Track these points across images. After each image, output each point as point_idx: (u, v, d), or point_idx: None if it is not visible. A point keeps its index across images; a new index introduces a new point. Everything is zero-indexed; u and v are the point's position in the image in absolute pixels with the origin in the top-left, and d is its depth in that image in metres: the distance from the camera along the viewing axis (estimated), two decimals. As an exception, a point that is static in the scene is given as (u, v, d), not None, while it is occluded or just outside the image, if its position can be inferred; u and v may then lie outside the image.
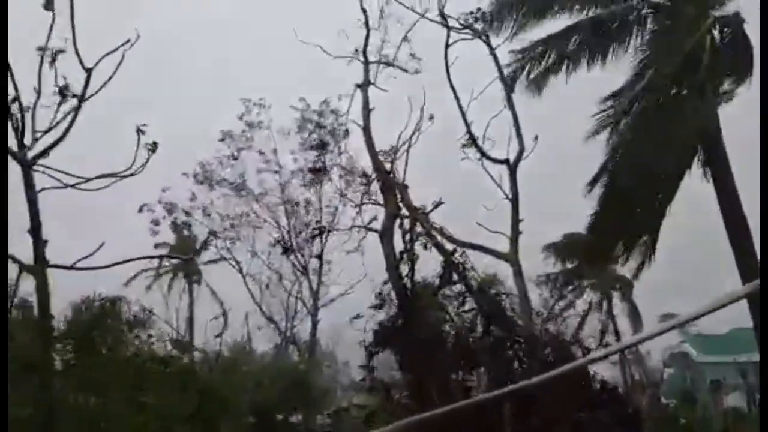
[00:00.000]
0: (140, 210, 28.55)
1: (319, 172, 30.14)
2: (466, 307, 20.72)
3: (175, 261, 35.30)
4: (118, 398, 20.22)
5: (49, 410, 17.05)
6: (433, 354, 18.84)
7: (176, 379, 20.13)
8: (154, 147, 19.21)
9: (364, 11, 25.33)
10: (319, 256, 30.75)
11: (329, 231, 30.44)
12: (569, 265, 32.65)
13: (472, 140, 23.94)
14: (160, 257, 33.99)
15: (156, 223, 29.46)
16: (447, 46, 24.18)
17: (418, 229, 22.03)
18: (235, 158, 30.50)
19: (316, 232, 30.55)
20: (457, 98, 23.76)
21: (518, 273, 21.94)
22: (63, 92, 18.10)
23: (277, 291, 31.28)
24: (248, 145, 30.52)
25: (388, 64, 25.98)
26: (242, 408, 21.67)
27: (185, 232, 33.96)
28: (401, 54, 25.92)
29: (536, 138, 23.85)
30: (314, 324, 30.56)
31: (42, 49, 17.60)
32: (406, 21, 25.39)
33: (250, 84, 38.69)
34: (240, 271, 30.93)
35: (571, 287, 32.79)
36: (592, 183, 16.57)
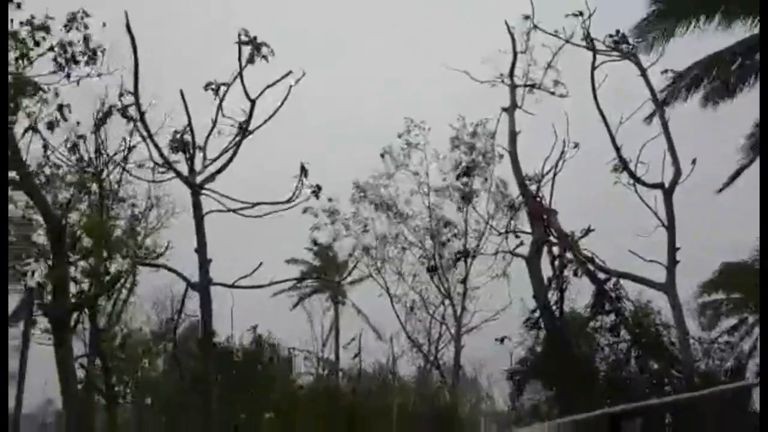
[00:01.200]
0: (304, 212, 29.62)
1: (467, 196, 30.27)
2: (619, 338, 19.77)
3: (317, 281, 36.52)
4: (267, 417, 21.19)
5: (209, 419, 18.20)
6: (583, 387, 18.06)
7: (322, 400, 20.71)
8: (317, 190, 20.10)
9: (512, 36, 25.16)
10: (463, 281, 30.57)
11: (474, 255, 30.23)
12: (732, 296, 30.15)
13: (624, 164, 22.85)
14: (311, 278, 35.30)
15: (316, 228, 30.93)
16: (593, 68, 23.39)
17: (568, 255, 21.35)
18: (390, 177, 31.33)
19: (460, 255, 30.44)
20: (605, 121, 22.84)
21: (675, 304, 20.55)
22: (238, 124, 19.68)
23: (421, 314, 31.40)
24: (404, 163, 31.30)
25: (533, 87, 25.56)
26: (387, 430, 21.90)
27: (329, 254, 35.12)
28: (547, 79, 25.45)
29: (694, 162, 22.41)
30: (458, 350, 30.32)
31: (210, 84, 19.19)
32: (552, 43, 24.94)
33: (410, 105, 39.63)
34: (387, 291, 31.36)
35: (735, 321, 30.23)
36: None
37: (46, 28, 17.73)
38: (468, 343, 30.37)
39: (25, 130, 18.51)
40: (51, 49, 17.88)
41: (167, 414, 20.78)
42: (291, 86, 19.29)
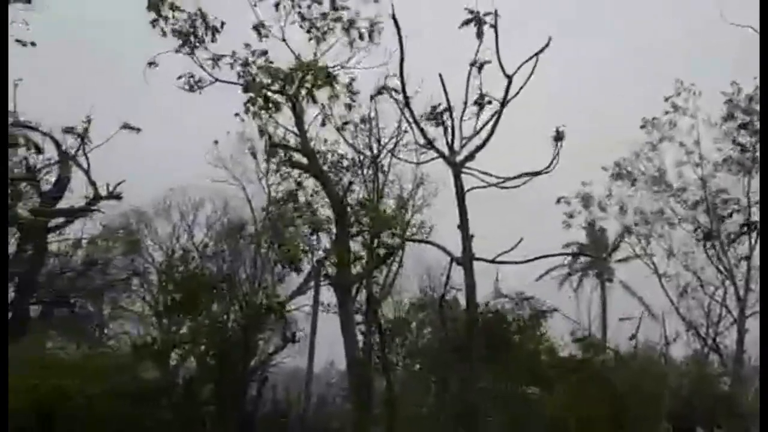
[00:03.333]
0: (558, 201, 29.28)
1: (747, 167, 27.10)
2: None
3: (586, 259, 35.50)
4: (530, 390, 21.33)
5: (474, 391, 18.96)
6: None
7: (588, 379, 20.29)
8: (560, 136, 19.81)
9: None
10: (747, 258, 27.62)
11: (758, 229, 27.10)
12: None
13: None
14: (575, 254, 34.49)
15: (570, 216, 29.98)
16: None
17: None
18: (654, 148, 29.30)
19: (744, 229, 27.55)
20: None
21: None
22: (482, 101, 20.03)
23: (696, 294, 29.02)
24: (670, 134, 28.96)
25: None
26: (658, 415, 20.79)
27: (596, 230, 33.91)
28: None
29: None
30: (741, 334, 27.50)
31: (473, 64, 19.69)
32: None
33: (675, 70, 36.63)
34: (655, 270, 29.52)
35: None
36: None
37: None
38: (754, 328, 27.41)
39: (315, 117, 20.55)
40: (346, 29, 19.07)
41: (435, 378, 22.01)
42: (537, 57, 19.06)
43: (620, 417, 19.06)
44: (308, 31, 18.88)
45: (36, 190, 24.84)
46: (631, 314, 32.53)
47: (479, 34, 18.99)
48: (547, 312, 23.09)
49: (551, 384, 20.99)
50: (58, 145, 25.04)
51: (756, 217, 27.24)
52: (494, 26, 18.96)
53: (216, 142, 26.69)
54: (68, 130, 24.75)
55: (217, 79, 18.82)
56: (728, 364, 28.05)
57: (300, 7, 18.71)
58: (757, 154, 26.87)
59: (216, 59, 18.57)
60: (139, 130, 24.83)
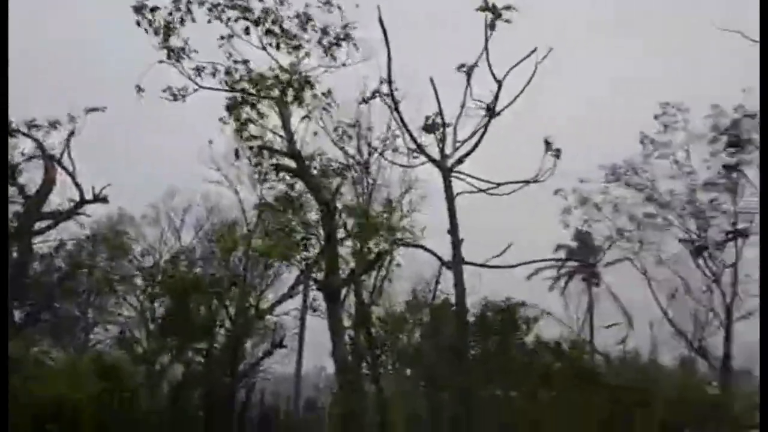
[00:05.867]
0: (555, 193, 29.23)
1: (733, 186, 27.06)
2: None
3: (575, 263, 35.73)
4: (520, 391, 21.32)
5: (467, 393, 18.91)
6: None
7: (579, 378, 20.32)
8: (557, 154, 19.94)
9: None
10: (733, 265, 27.72)
11: (746, 236, 27.22)
12: None
13: None
14: (563, 260, 34.69)
15: (567, 211, 30.12)
16: None
17: None
18: (646, 160, 29.36)
19: (730, 236, 27.65)
20: None
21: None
22: (486, 107, 19.96)
23: (684, 300, 29.12)
24: (663, 151, 29.03)
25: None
26: (651, 418, 20.89)
27: (585, 233, 34.04)
28: None
29: None
30: (727, 339, 27.62)
31: (462, 66, 19.67)
32: None
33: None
34: (644, 274, 29.62)
35: None
36: None
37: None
38: (743, 334, 27.54)
39: (301, 119, 20.43)
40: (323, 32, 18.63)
41: (426, 382, 21.99)
42: (537, 64, 19.03)
43: (611, 422, 19.09)
44: (278, 48, 18.83)
45: (19, 191, 24.65)
46: (618, 319, 32.90)
47: (491, 25, 18.75)
48: (537, 317, 23.17)
49: (541, 388, 21.02)
50: (41, 147, 24.87)
51: (742, 225, 27.33)
52: (491, 28, 18.80)
53: (210, 142, 26.42)
54: (53, 124, 24.62)
55: (201, 86, 18.76)
56: (715, 369, 28.18)
57: (270, 31, 18.53)
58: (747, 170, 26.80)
59: (199, 70, 18.56)
60: (104, 109, 24.86)
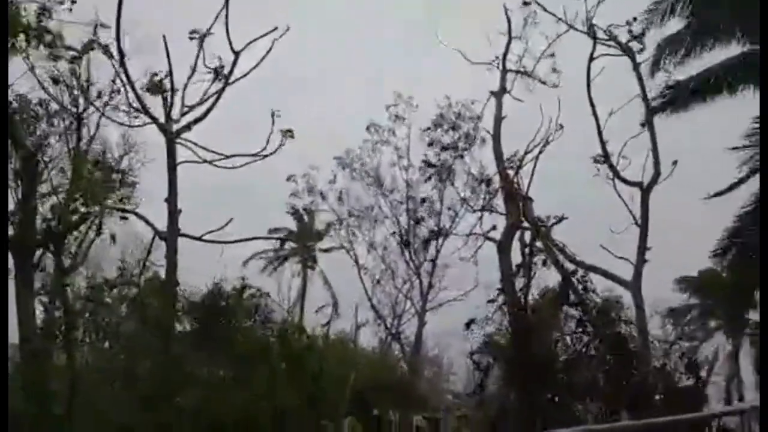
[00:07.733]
0: (288, 179, 29.67)
1: (443, 175, 29.71)
2: (581, 330, 19.99)
3: (293, 245, 36.46)
4: (234, 368, 21.07)
5: (168, 367, 18.13)
6: (541, 375, 18.30)
7: (294, 357, 20.61)
8: (289, 133, 20.13)
9: (508, 19, 24.99)
10: (433, 260, 30.58)
11: (446, 235, 30.20)
12: (697, 302, 30.69)
13: (605, 157, 23.00)
14: (282, 239, 35.20)
15: (295, 194, 30.79)
16: (591, 58, 23.38)
17: (538, 244, 21.47)
18: (374, 150, 31.02)
19: (433, 235, 30.42)
20: (594, 113, 22.96)
21: (639, 303, 20.82)
22: (217, 72, 19.34)
23: (388, 287, 31.44)
24: (388, 139, 30.85)
25: (526, 74, 25.44)
26: (345, 396, 21.99)
27: (305, 218, 35.03)
28: (542, 66, 25.27)
29: (675, 163, 22.63)
30: (421, 325, 30.45)
31: (195, 32, 18.87)
32: (550, 32, 24.82)
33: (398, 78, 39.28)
34: (356, 262, 31.34)
35: (696, 326, 30.81)
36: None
37: None
38: (434, 322, 30.49)
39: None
40: None
41: (126, 357, 20.56)
42: (274, 40, 19.13)
43: (311, 398, 19.72)
44: None
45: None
46: (328, 303, 34.45)
47: None
48: (255, 296, 23.07)
49: (250, 366, 20.94)
50: None
51: (447, 224, 30.17)
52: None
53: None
54: None
55: None
56: (407, 352, 30.91)
57: None
58: (455, 167, 29.56)
59: None
60: None
